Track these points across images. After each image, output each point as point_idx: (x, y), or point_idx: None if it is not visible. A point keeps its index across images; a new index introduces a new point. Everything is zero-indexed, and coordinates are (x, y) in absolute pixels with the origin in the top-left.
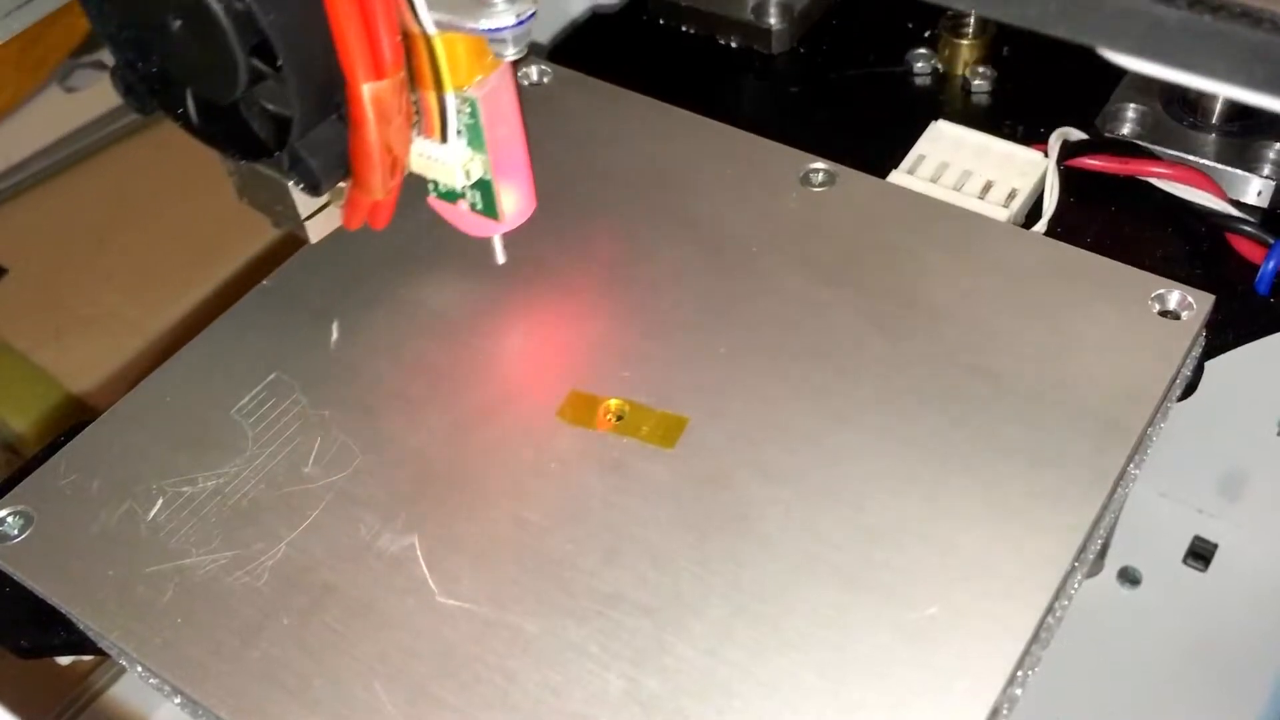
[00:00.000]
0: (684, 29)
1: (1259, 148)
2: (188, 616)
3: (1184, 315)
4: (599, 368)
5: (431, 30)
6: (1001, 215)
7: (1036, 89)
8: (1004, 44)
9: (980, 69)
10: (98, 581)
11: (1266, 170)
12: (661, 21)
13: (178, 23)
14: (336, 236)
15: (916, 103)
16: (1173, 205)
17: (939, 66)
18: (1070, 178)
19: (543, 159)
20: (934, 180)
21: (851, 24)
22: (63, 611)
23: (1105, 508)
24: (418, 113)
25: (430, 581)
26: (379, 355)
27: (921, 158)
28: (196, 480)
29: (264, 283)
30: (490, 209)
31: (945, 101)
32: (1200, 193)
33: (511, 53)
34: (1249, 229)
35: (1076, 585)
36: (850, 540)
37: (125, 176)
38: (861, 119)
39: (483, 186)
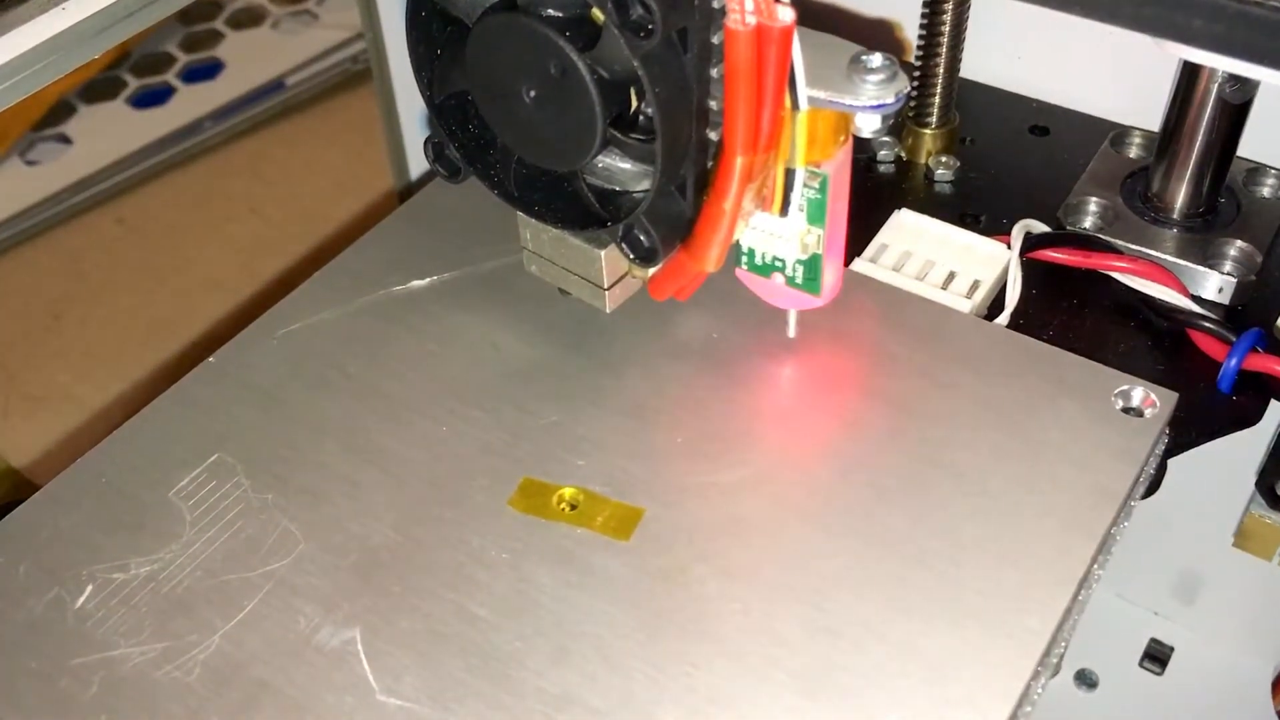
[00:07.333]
0: None
1: (1220, 244)
2: (112, 713)
3: (1147, 413)
4: (553, 454)
5: (803, 107)
6: (965, 307)
7: (999, 179)
8: (967, 134)
9: (944, 158)
10: (18, 673)
11: (1227, 267)
12: None
13: (533, 93)
14: (286, 314)
15: (880, 190)
16: (1134, 300)
17: (902, 155)
18: (1032, 270)
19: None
20: (897, 269)
21: None
22: None
23: (1070, 610)
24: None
25: (371, 678)
26: (326, 437)
27: (884, 246)
28: (129, 566)
29: (209, 359)
30: (812, 284)
31: (908, 190)
32: (1162, 288)
33: (878, 129)
34: (1210, 326)
35: (1040, 690)
36: (809, 642)
37: (83, 252)
38: None
39: (811, 261)
